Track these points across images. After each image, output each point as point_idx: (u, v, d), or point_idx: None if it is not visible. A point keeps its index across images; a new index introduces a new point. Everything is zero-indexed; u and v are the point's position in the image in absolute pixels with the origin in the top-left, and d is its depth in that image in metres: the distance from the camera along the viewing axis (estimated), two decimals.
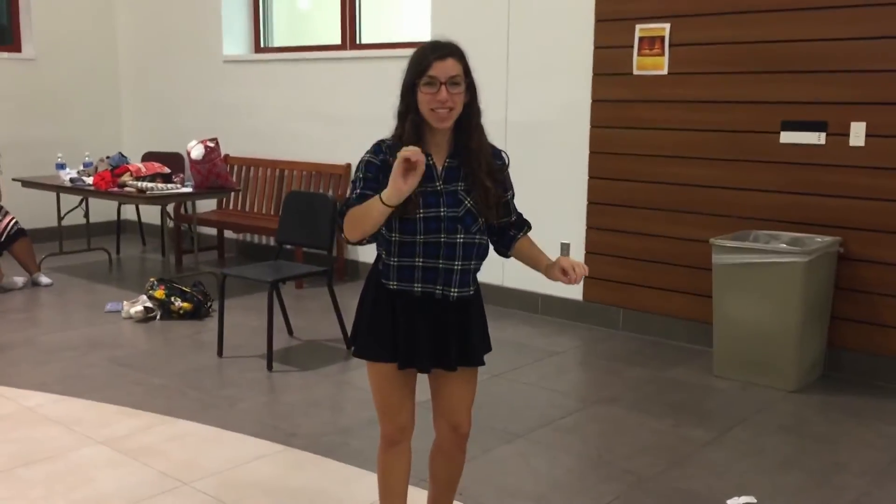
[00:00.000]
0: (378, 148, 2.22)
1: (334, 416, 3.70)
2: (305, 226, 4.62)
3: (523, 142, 5.23)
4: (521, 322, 5.17)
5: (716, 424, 3.62)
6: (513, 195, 2.32)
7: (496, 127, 5.35)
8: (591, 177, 4.99)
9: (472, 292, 2.25)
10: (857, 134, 4.04)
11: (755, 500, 2.91)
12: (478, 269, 2.27)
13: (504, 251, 2.36)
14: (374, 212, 2.06)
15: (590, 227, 5.04)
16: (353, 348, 2.35)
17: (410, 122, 2.14)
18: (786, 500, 2.94)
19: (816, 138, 4.16)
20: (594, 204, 5.02)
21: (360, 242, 2.20)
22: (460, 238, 2.16)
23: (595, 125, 4.93)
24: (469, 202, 2.17)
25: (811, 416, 3.75)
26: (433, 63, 2.08)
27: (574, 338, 4.92)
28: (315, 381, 4.11)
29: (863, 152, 4.05)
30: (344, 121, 6.19)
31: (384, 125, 6.03)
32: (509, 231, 2.34)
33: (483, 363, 2.32)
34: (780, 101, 4.27)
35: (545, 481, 3.09)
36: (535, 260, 2.35)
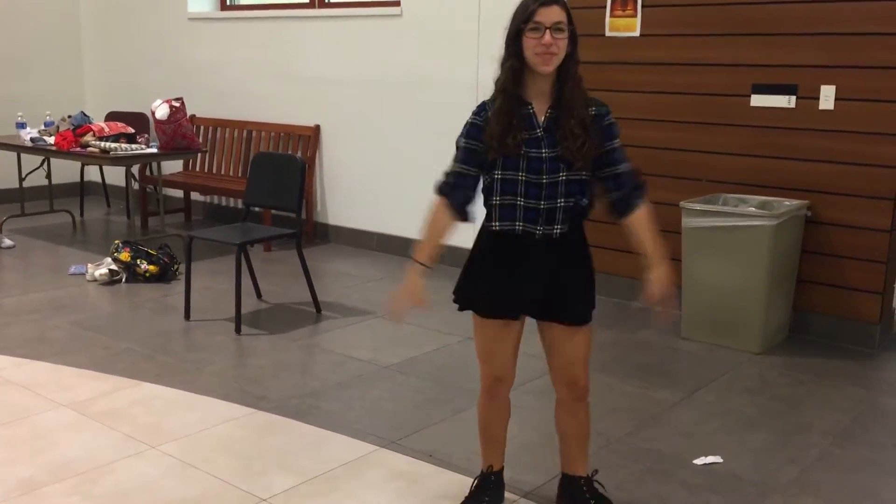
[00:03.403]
0: (482, 107, 2.30)
1: (304, 380, 3.67)
2: (273, 188, 4.55)
3: None
4: None
5: (683, 386, 3.65)
6: (619, 145, 2.33)
7: (470, 87, 5.30)
8: None
9: (575, 229, 2.32)
10: (827, 97, 4.05)
11: (721, 460, 2.95)
12: (584, 208, 2.31)
13: (617, 215, 2.38)
14: (421, 242, 2.39)
15: None
16: (455, 299, 2.46)
17: (510, 68, 2.21)
18: (751, 459, 2.98)
19: (787, 101, 4.17)
20: None
21: (465, 220, 2.39)
22: (562, 176, 2.23)
23: None
24: (566, 143, 2.22)
25: (776, 377, 3.79)
26: (538, 9, 2.16)
27: None
28: (284, 345, 4.08)
29: (832, 116, 4.07)
30: (312, 81, 6.09)
31: (351, 85, 5.97)
32: (628, 196, 2.35)
33: (587, 320, 2.39)
34: (751, 64, 4.26)
35: (516, 443, 3.08)
36: (638, 245, 2.41)
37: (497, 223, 2.30)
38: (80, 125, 5.76)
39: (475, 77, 5.25)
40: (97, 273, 5.00)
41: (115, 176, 7.20)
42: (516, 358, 2.49)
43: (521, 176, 2.24)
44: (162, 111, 5.44)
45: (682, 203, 4.15)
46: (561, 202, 2.25)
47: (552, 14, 2.16)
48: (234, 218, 6.22)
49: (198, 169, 6.69)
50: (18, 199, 6.38)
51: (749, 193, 4.25)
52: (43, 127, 6.05)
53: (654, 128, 4.60)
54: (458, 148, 2.35)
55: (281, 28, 6.27)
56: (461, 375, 3.71)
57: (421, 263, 2.38)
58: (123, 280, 5.00)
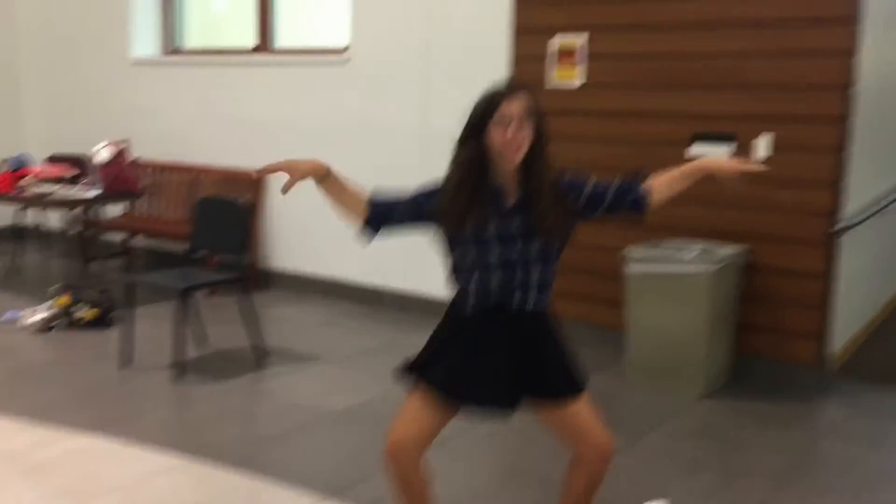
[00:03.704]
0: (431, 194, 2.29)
1: (246, 427, 3.60)
2: (218, 232, 4.50)
3: (441, 150, 5.20)
4: (426, 328, 5.14)
5: (629, 430, 3.67)
6: (594, 183, 2.35)
7: (416, 133, 5.35)
8: None
9: (548, 300, 2.31)
10: (763, 147, 4.18)
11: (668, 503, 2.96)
12: (553, 279, 2.31)
13: (643, 211, 2.41)
14: (326, 196, 2.27)
15: None
16: (413, 373, 2.32)
17: (472, 158, 2.21)
18: (696, 502, 3.00)
19: (724, 151, 4.29)
20: None
21: (367, 227, 2.28)
22: (535, 246, 2.25)
23: None
24: (536, 213, 2.24)
25: (720, 420, 3.84)
26: (503, 102, 2.16)
27: None
28: (227, 392, 3.99)
29: (769, 165, 4.19)
30: (259, 125, 6.08)
31: (299, 131, 5.97)
32: (635, 193, 2.38)
33: (577, 391, 2.33)
34: (690, 114, 4.38)
35: (463, 490, 3.07)
36: (675, 186, 2.47)
37: (473, 300, 2.27)
38: (19, 167, 5.64)
39: (422, 123, 5.31)
40: (33, 319, 4.85)
41: (56, 219, 7.03)
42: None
43: (495, 253, 2.23)
44: (104, 154, 5.36)
45: (625, 250, 4.22)
46: (536, 276, 2.26)
47: (518, 106, 2.17)
48: (177, 262, 6.11)
49: (141, 213, 6.59)
50: None
51: (690, 240, 4.34)
52: None
53: (597, 176, 4.67)
54: (409, 197, 2.31)
55: (226, 73, 6.26)
56: None
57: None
58: (61, 326, 4.86)
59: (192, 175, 6.37)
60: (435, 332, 2.38)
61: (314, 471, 3.16)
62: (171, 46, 6.84)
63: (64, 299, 4.90)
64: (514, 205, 2.25)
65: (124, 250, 6.74)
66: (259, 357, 4.46)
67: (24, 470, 3.08)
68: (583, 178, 2.35)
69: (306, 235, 5.94)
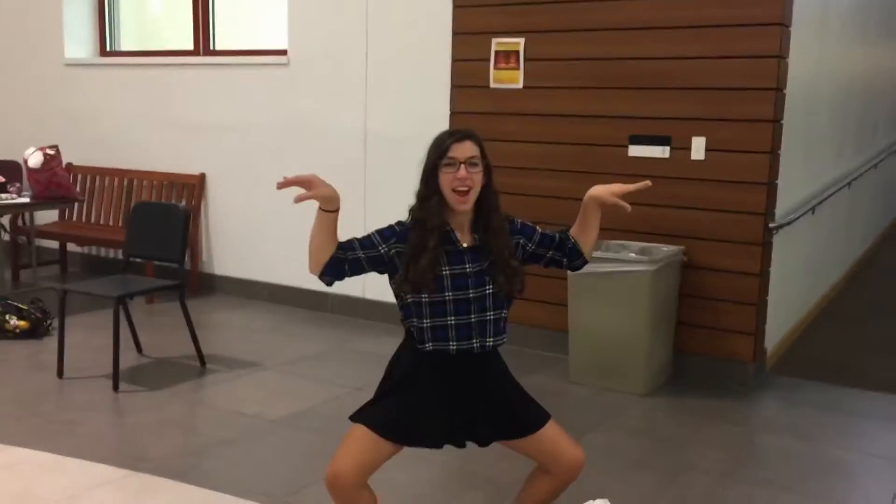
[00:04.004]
0: (391, 231, 2.32)
1: (186, 437, 3.53)
2: (155, 238, 4.41)
3: (382, 152, 5.21)
4: (381, 333, 5.13)
5: (571, 429, 3.64)
6: (539, 233, 2.42)
7: (355, 136, 5.32)
8: None
9: (503, 341, 2.35)
10: (698, 148, 4.27)
11: (609, 503, 2.99)
12: (506, 319, 2.36)
13: (580, 263, 2.49)
14: (317, 227, 2.19)
15: None
16: (369, 419, 2.28)
17: (435, 203, 2.25)
18: (638, 500, 3.04)
19: (661, 152, 4.36)
20: None
21: (324, 276, 2.26)
22: (489, 289, 2.28)
23: None
24: (491, 256, 2.29)
25: (660, 418, 3.90)
26: (452, 145, 2.23)
27: None
28: (165, 401, 3.91)
29: (703, 166, 4.28)
30: (197, 128, 5.98)
31: (237, 133, 5.90)
32: (566, 246, 2.45)
33: (539, 426, 2.36)
34: (628, 116, 4.45)
35: (408, 494, 3.06)
36: (587, 227, 2.48)
37: (430, 343, 2.28)
38: None
39: (363, 125, 5.29)
40: None
41: None
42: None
43: (449, 296, 2.24)
44: (35, 159, 5.21)
45: None
46: (490, 315, 2.30)
47: (466, 149, 2.23)
48: (114, 270, 5.97)
49: (75, 219, 6.42)
50: None
51: (629, 240, 4.40)
52: None
53: (537, 176, 4.72)
54: (368, 242, 2.29)
55: (164, 75, 6.14)
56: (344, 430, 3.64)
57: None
58: None
59: (129, 180, 6.23)
60: (387, 369, 2.39)
61: (257, 479, 3.11)
62: (107, 48, 6.68)
63: None
64: (466, 249, 2.29)
65: (59, 258, 6.57)
66: (199, 365, 4.39)
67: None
68: (530, 225, 2.43)
69: (248, 240, 5.86)
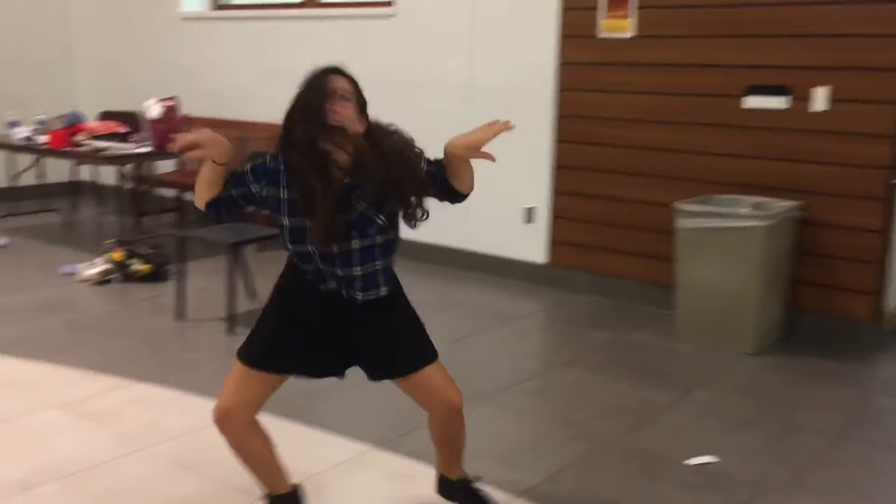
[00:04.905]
0: (263, 169, 2.20)
1: (296, 380, 3.64)
2: None
3: (487, 104, 5.18)
4: (483, 285, 5.17)
5: (676, 386, 3.66)
6: (426, 161, 2.23)
7: (460, 89, 5.30)
8: (560, 140, 4.98)
9: (383, 293, 2.23)
10: (820, 99, 4.07)
11: (715, 460, 2.96)
12: (388, 268, 2.25)
13: (459, 199, 2.33)
14: (205, 173, 2.16)
15: (557, 192, 5.03)
16: (241, 351, 2.25)
17: (306, 132, 2.12)
18: (745, 459, 2.99)
19: (779, 103, 4.18)
20: (562, 168, 5.00)
21: (208, 211, 2.25)
22: (356, 244, 2.15)
23: (564, 88, 4.90)
24: (362, 206, 2.12)
25: (769, 377, 3.80)
26: (328, 78, 2.18)
27: (536, 301, 4.93)
28: None
29: (826, 117, 4.08)
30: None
31: None
32: (447, 186, 2.27)
33: (414, 370, 2.27)
34: (745, 65, 4.27)
35: (510, 442, 3.10)
36: (455, 175, 2.26)
37: (304, 276, 2.21)
38: (73, 124, 5.74)
39: (468, 77, 5.26)
40: (89, 273, 4.98)
41: (108, 175, 7.17)
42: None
43: (312, 248, 2.15)
44: (155, 111, 5.42)
45: (675, 204, 4.16)
46: (358, 270, 2.17)
47: (340, 82, 2.19)
48: (226, 217, 6.20)
49: (192, 168, 6.67)
50: (11, 198, 6.35)
51: (743, 194, 4.26)
52: (36, 126, 6.02)
53: (647, 129, 4.61)
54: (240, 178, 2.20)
55: (273, 28, 6.26)
56: (453, 375, 3.70)
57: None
58: (116, 280, 4.99)
59: (241, 131, 6.42)
60: (270, 295, 2.32)
61: (365, 422, 3.21)
62: (219, 1, 6.85)
63: (118, 254, 5.02)
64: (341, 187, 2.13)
65: (176, 206, 6.86)
66: None
67: (87, 417, 3.19)
68: (417, 162, 2.23)
69: None
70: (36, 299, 4.65)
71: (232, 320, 4.22)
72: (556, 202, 5.05)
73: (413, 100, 5.55)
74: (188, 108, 6.45)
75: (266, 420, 3.17)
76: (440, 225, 5.62)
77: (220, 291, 4.50)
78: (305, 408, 3.31)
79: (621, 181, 4.76)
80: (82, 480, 2.70)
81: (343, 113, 2.10)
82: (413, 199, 2.19)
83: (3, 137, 6.03)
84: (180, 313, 4.39)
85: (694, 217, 4.08)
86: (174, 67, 6.85)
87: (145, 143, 5.66)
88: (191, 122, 6.59)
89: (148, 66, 7.08)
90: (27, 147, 5.80)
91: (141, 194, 6.65)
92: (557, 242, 5.09)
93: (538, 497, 2.68)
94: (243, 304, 4.58)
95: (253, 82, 6.43)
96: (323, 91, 2.13)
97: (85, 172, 7.38)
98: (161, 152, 5.58)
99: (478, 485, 2.55)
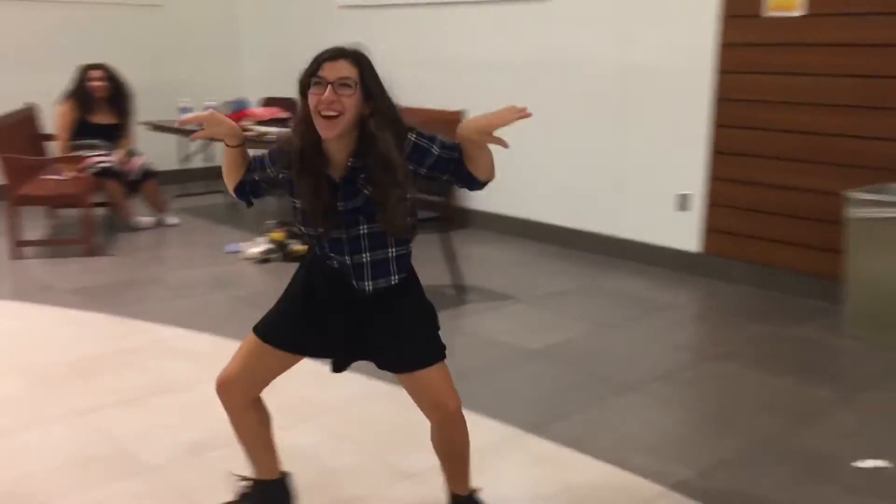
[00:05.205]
0: (279, 152, 2.14)
1: (447, 360, 3.72)
2: None
3: (641, 87, 5.06)
4: (632, 273, 5.07)
5: (844, 385, 3.46)
6: (434, 157, 2.06)
7: (613, 72, 5.20)
8: (719, 125, 4.79)
9: (395, 282, 2.11)
10: None
11: (888, 465, 2.78)
12: (403, 256, 2.12)
13: (478, 187, 2.09)
14: (225, 158, 2.17)
15: (714, 178, 4.85)
16: (257, 324, 2.23)
17: (306, 128, 2.00)
18: None
19: None
20: (721, 154, 4.81)
21: (237, 194, 2.23)
22: (364, 229, 2.05)
23: (724, 70, 4.71)
24: (369, 190, 2.01)
25: None
26: (323, 63, 2.00)
27: (689, 290, 4.79)
28: None
29: None
30: (458, 66, 6.14)
31: (499, 70, 5.95)
32: (462, 171, 2.06)
33: (412, 369, 2.15)
34: None
35: (662, 434, 3.03)
36: (471, 160, 2.05)
37: (317, 261, 2.15)
38: (239, 110, 6.04)
39: (622, 60, 5.14)
40: (252, 251, 5.25)
41: None
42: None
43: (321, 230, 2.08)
44: None
45: (847, 193, 3.92)
46: (366, 257, 2.07)
47: (338, 69, 1.98)
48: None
49: None
50: (182, 180, 6.78)
51: None
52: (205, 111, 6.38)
53: (815, 113, 4.36)
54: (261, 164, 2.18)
55: (428, 14, 6.35)
56: (603, 363, 3.67)
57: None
58: (276, 259, 5.23)
59: None
60: (291, 278, 2.27)
61: (512, 406, 3.23)
62: None
63: (279, 234, 5.26)
64: (339, 183, 2.03)
65: None
66: (458, 294, 4.59)
67: None
68: (425, 146, 2.06)
69: (505, 175, 5.94)
70: (204, 275, 4.95)
71: None
72: (713, 189, 4.87)
73: (565, 83, 5.49)
74: None
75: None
76: (588, 210, 5.60)
77: None
78: (456, 388, 3.36)
79: (785, 168, 4.53)
80: None
81: (334, 101, 1.95)
82: (393, 204, 2.01)
83: (175, 122, 6.43)
84: None
85: (868, 206, 3.82)
86: None
87: None
88: None
89: (307, 53, 7.32)
90: (196, 132, 6.15)
91: None
92: (712, 231, 4.91)
93: (692, 491, 2.61)
94: None
95: (407, 69, 6.51)
96: (308, 77, 2.01)
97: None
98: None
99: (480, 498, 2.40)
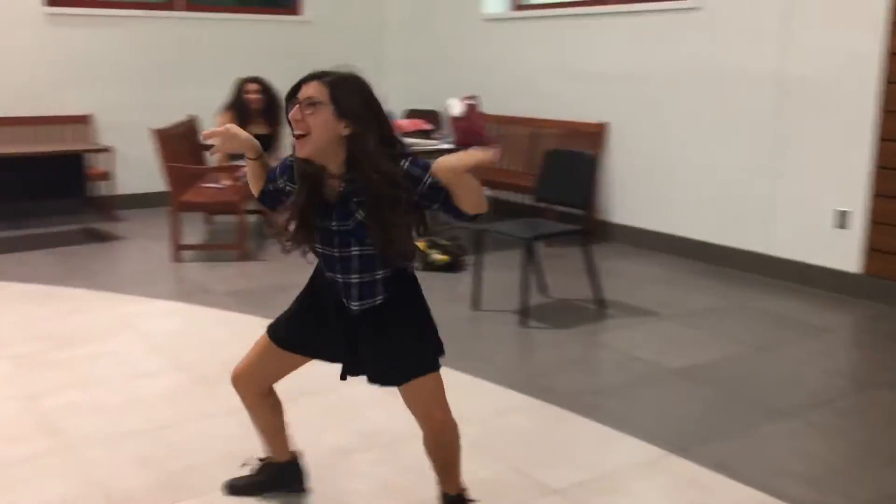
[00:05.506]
0: (285, 166, 2.24)
1: (588, 376, 3.67)
2: (563, 184, 4.59)
3: (798, 98, 4.83)
4: (785, 293, 4.84)
5: None
6: (427, 185, 2.03)
7: (768, 82, 4.99)
8: (884, 138, 4.50)
9: (379, 302, 2.17)
10: None
11: None
12: (389, 278, 2.16)
13: (466, 220, 2.10)
14: (247, 169, 2.28)
15: (877, 195, 4.57)
16: (270, 324, 2.36)
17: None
18: None
19: None
20: (886, 169, 4.52)
21: (261, 201, 2.33)
22: (355, 251, 2.11)
23: (892, 80, 4.43)
24: (361, 214, 2.07)
25: None
26: (302, 84, 2.07)
27: (847, 313, 4.52)
28: (568, 340, 4.10)
29: None
30: (601, 78, 6.07)
31: (643, 82, 5.87)
32: (451, 202, 2.03)
33: (398, 383, 2.22)
34: None
35: (820, 464, 2.87)
36: (454, 195, 2.02)
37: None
38: None
39: (777, 70, 4.93)
40: None
41: None
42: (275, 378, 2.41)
43: (318, 248, 2.18)
44: (457, 108, 5.70)
45: None
46: (354, 278, 2.14)
47: (307, 89, 2.03)
48: (513, 212, 6.37)
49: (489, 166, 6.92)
50: None
51: None
52: None
53: None
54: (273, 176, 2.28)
55: (572, 26, 6.31)
56: (753, 387, 3.51)
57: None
58: (416, 268, 5.30)
59: (534, 128, 6.56)
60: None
61: (657, 426, 3.13)
62: (520, 2, 7.04)
63: (421, 244, 5.34)
64: (334, 203, 2.09)
65: None
66: (598, 308, 4.52)
67: (395, 393, 3.40)
68: (418, 175, 2.03)
69: (648, 189, 5.85)
70: None
71: (524, 313, 4.33)
72: (875, 206, 4.58)
73: (715, 94, 5.32)
74: (486, 107, 6.71)
75: (562, 413, 3.22)
76: (738, 226, 5.40)
77: (514, 284, 4.63)
78: (598, 405, 3.31)
79: None
80: (394, 451, 2.90)
81: (300, 120, 2.02)
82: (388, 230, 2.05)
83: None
84: (475, 303, 4.58)
85: None
86: (474, 67, 7.16)
87: (447, 139, 5.97)
88: (489, 120, 6.85)
89: (450, 65, 7.46)
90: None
91: None
92: (873, 250, 4.62)
93: None
94: (535, 298, 4.67)
95: (549, 81, 6.53)
96: (289, 97, 2.10)
97: None
98: (461, 148, 5.83)
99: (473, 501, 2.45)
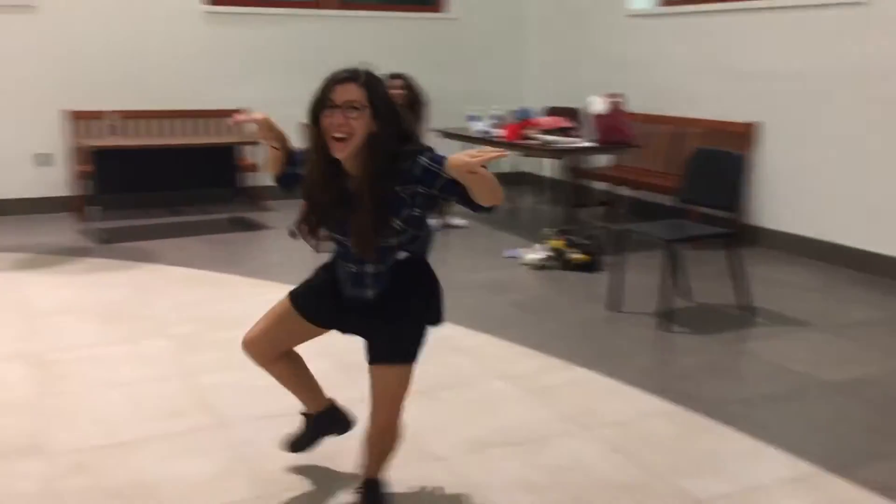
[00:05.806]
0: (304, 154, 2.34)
1: (734, 385, 3.52)
2: (710, 185, 4.42)
3: None
4: None
5: None
6: (445, 179, 2.09)
7: None
8: None
9: (369, 296, 2.28)
10: None
11: None
12: (381, 274, 2.27)
13: (483, 212, 2.18)
14: (269, 154, 2.38)
15: None
16: (292, 291, 2.44)
17: (317, 160, 2.19)
18: None
19: None
20: None
21: (277, 182, 2.43)
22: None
23: None
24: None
25: None
26: (334, 87, 2.11)
27: None
28: (712, 346, 3.95)
29: None
30: (751, 76, 5.81)
31: (798, 81, 5.61)
32: (467, 195, 2.09)
33: (388, 362, 2.25)
34: None
35: None
36: (469, 189, 2.08)
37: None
38: (524, 119, 6.17)
39: None
40: (531, 257, 5.33)
41: (548, 167, 7.60)
42: (288, 345, 2.47)
43: (335, 235, 2.29)
44: (600, 106, 5.60)
45: None
46: (369, 268, 2.26)
47: (346, 92, 2.09)
48: (653, 214, 6.20)
49: (628, 164, 6.78)
50: None
51: None
52: (491, 120, 6.59)
53: None
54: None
55: (722, 22, 6.07)
56: None
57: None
58: (553, 266, 5.26)
59: (678, 127, 6.36)
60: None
61: (807, 441, 2.97)
62: None
63: (559, 242, 5.29)
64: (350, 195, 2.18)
65: (609, 199, 7.04)
66: (745, 315, 4.33)
67: (531, 391, 3.40)
68: (436, 169, 2.10)
69: (801, 193, 5.56)
70: (485, 278, 5.10)
71: (665, 316, 4.20)
72: None
73: (878, 94, 5.00)
74: (630, 105, 6.57)
75: (705, 422, 3.10)
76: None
77: (653, 286, 4.51)
78: (744, 416, 3.17)
79: None
80: (530, 450, 2.88)
81: (343, 124, 2.09)
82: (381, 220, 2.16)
83: (462, 130, 6.71)
84: (613, 304, 4.49)
85: None
86: (618, 64, 7.02)
87: (588, 137, 5.88)
88: (633, 118, 6.71)
89: (593, 62, 7.35)
90: (483, 139, 6.38)
91: (578, 187, 6.94)
92: None
93: None
94: (677, 302, 4.53)
95: (692, 78, 6.32)
96: (319, 101, 2.14)
97: (526, 163, 7.92)
98: (604, 147, 5.74)
99: (385, 491, 2.44)
